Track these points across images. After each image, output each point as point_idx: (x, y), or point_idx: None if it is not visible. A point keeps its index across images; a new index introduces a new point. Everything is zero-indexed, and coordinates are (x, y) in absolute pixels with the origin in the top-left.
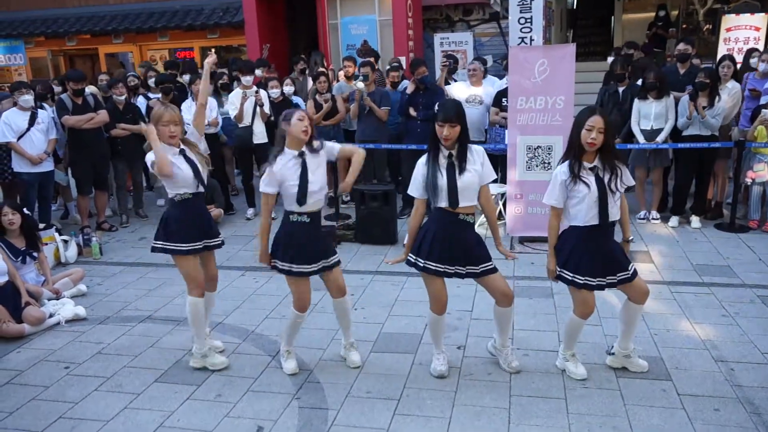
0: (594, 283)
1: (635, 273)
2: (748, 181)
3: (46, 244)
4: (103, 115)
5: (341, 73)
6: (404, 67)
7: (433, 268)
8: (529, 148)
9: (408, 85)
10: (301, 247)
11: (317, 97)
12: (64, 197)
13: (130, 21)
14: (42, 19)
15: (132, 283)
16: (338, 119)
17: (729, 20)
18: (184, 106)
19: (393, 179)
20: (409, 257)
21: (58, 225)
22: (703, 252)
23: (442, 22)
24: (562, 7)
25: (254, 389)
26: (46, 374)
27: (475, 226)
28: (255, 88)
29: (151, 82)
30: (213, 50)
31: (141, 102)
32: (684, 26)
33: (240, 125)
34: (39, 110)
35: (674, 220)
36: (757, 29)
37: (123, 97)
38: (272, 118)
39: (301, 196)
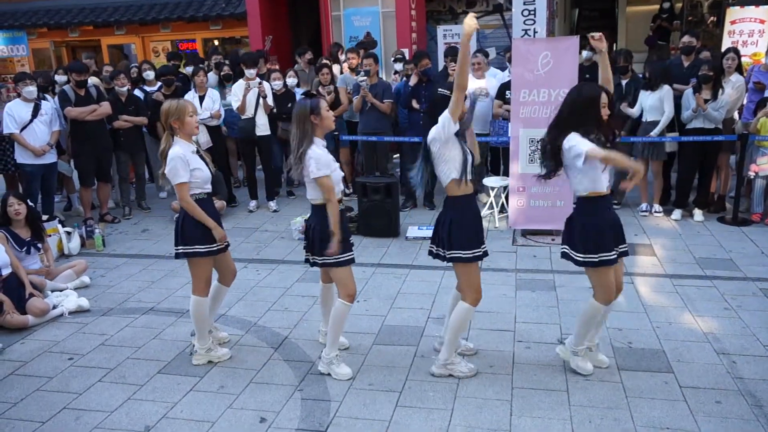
0: (614, 257)
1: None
2: (751, 174)
3: (50, 235)
4: (105, 107)
5: (345, 65)
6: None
7: None
8: (532, 141)
9: (411, 77)
10: (346, 234)
11: (320, 89)
12: (67, 189)
13: (132, 12)
14: (45, 9)
15: (135, 274)
16: (341, 111)
17: (734, 12)
18: (186, 98)
19: (402, 170)
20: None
21: (61, 216)
22: (705, 245)
23: (445, 14)
24: None
25: (257, 381)
26: (50, 365)
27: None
28: (258, 79)
29: (146, 75)
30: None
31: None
32: (689, 18)
33: (243, 117)
34: (42, 102)
35: (677, 213)
36: (762, 22)
37: (125, 89)
38: (275, 110)
39: (343, 182)
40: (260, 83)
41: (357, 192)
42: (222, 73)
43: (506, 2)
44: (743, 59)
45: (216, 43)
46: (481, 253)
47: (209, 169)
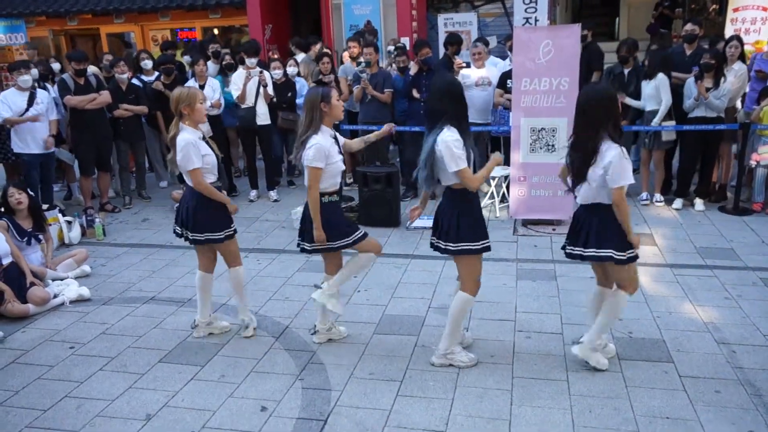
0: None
1: None
2: (753, 163)
3: (50, 224)
4: (105, 96)
5: (345, 54)
6: (408, 48)
7: None
8: (533, 130)
9: (411, 66)
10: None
11: (321, 78)
12: (67, 178)
13: (131, 0)
14: None
15: (135, 264)
16: (341, 100)
17: (736, 0)
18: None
19: (401, 161)
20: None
21: (61, 206)
22: (706, 235)
23: (446, 3)
24: None
25: (257, 370)
26: (51, 354)
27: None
28: (259, 68)
29: (144, 64)
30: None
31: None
32: (691, 6)
33: (243, 106)
34: (38, 90)
35: (678, 203)
36: (765, 9)
37: (125, 76)
38: (275, 100)
39: (343, 173)
40: (261, 72)
41: (358, 182)
42: (224, 63)
43: None
44: (746, 47)
45: (216, 32)
46: (488, 244)
47: (216, 155)
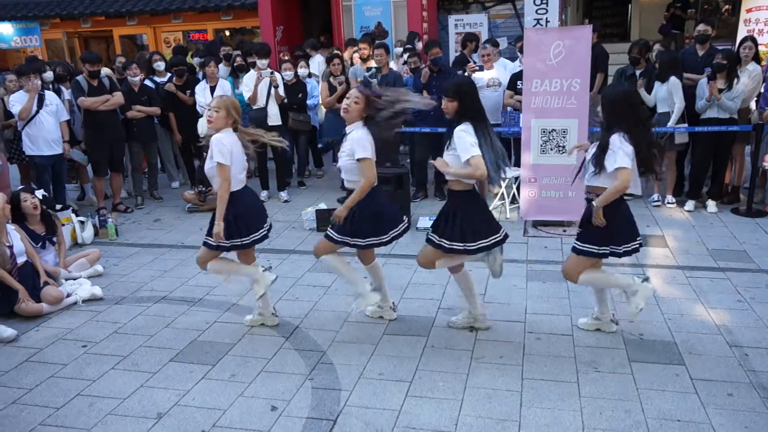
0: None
1: None
2: (766, 165)
3: (64, 224)
4: (118, 97)
5: (356, 56)
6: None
7: None
8: (544, 132)
9: (424, 71)
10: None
11: (331, 79)
12: (80, 179)
13: (144, 3)
14: (57, 0)
15: (147, 264)
16: None
17: (749, 0)
18: (198, 88)
19: (410, 162)
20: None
21: (74, 206)
22: (719, 237)
23: (456, 4)
24: None
25: (268, 370)
26: (64, 352)
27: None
28: (270, 69)
29: (156, 66)
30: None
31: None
32: (704, 6)
33: (254, 107)
34: (46, 92)
35: (690, 205)
36: None
37: (137, 78)
38: (285, 101)
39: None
40: (272, 73)
41: None
42: (235, 64)
43: None
44: (760, 48)
45: (227, 33)
46: (475, 247)
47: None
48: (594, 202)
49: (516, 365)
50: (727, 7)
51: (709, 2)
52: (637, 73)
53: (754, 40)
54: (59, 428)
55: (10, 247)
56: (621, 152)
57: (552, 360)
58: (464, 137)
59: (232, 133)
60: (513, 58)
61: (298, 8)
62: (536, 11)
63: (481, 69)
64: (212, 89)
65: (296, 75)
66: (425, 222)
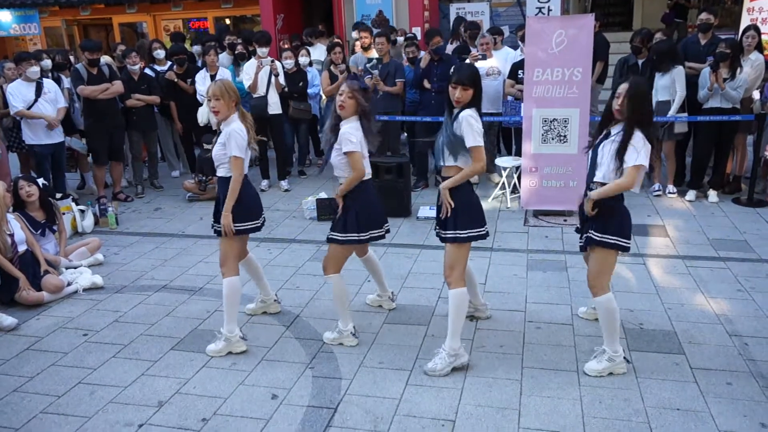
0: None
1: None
2: None
3: (64, 213)
4: (118, 86)
5: (357, 44)
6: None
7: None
8: (545, 121)
9: (422, 56)
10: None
11: (332, 68)
12: (80, 167)
13: None
14: None
15: (148, 252)
16: None
17: None
18: (198, 77)
19: (411, 151)
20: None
21: (74, 195)
22: (719, 226)
23: None
24: None
25: (268, 358)
26: (65, 341)
27: (489, 199)
28: (270, 58)
29: (156, 54)
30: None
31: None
32: None
33: (254, 96)
34: (45, 80)
35: (691, 194)
36: None
37: (137, 67)
38: (286, 89)
39: None
40: (272, 62)
41: None
42: (236, 52)
43: None
44: (763, 37)
45: (227, 21)
46: (480, 233)
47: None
48: (590, 194)
49: (516, 354)
50: None
51: None
52: (640, 62)
53: (757, 29)
54: (60, 416)
55: (11, 236)
56: (644, 151)
57: (552, 349)
58: (474, 124)
59: (236, 118)
60: (514, 47)
61: None
62: (538, 0)
63: (484, 58)
64: (212, 78)
65: (297, 63)
66: (426, 211)
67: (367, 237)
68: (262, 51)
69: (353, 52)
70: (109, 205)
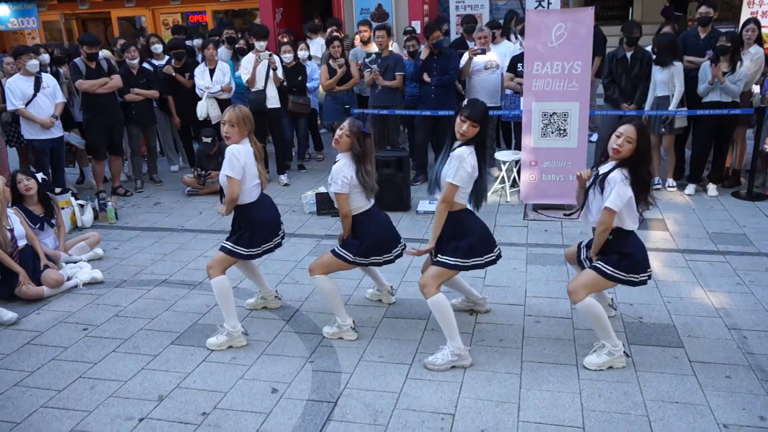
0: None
1: None
2: (767, 148)
3: (63, 208)
4: (116, 80)
5: (357, 38)
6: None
7: None
8: (545, 115)
9: (422, 50)
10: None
11: (331, 62)
12: (79, 162)
13: None
14: None
15: (147, 247)
16: (352, 84)
17: None
18: (197, 71)
19: (410, 145)
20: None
21: (74, 189)
22: (719, 220)
23: None
24: None
25: (268, 352)
26: (65, 335)
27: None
28: (268, 52)
29: (154, 48)
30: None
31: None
32: None
33: (252, 90)
34: (43, 74)
35: (691, 188)
36: None
37: (136, 62)
38: (285, 83)
39: None
40: (270, 56)
41: None
42: (236, 46)
43: None
44: (764, 30)
45: (224, 15)
46: (466, 264)
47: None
48: (590, 254)
49: (515, 348)
50: None
51: None
52: (628, 55)
53: (757, 22)
54: (61, 410)
55: (11, 231)
56: (618, 190)
57: (551, 343)
58: (462, 163)
59: (247, 144)
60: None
61: None
62: None
63: (483, 53)
64: (211, 72)
65: (296, 57)
66: (425, 206)
67: (368, 262)
68: (259, 45)
69: (352, 45)
70: (108, 199)
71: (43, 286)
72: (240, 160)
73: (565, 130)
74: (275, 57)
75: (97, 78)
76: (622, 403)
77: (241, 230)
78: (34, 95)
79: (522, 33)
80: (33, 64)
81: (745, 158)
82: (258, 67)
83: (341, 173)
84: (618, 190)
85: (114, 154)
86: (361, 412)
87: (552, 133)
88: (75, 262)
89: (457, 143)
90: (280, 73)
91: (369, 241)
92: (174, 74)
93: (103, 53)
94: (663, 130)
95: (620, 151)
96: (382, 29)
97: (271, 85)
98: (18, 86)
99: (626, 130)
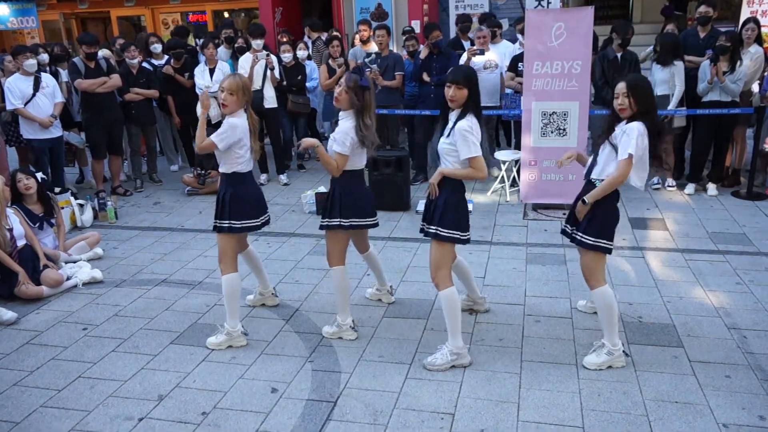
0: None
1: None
2: (767, 147)
3: (63, 207)
4: (115, 79)
5: (356, 38)
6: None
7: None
8: (545, 114)
9: (422, 50)
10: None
11: (330, 61)
12: (79, 161)
13: None
14: None
15: (147, 247)
16: None
17: None
18: (197, 71)
19: (410, 144)
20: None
21: (73, 189)
22: (718, 219)
23: None
24: None
25: (268, 352)
26: (65, 335)
27: (489, 193)
28: (265, 52)
29: (153, 48)
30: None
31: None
32: None
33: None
34: (42, 74)
35: (690, 188)
36: None
37: (136, 61)
38: (284, 83)
39: None
40: (267, 55)
41: (368, 165)
42: (236, 46)
43: None
44: (763, 29)
45: (226, 14)
46: (467, 237)
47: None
48: (586, 197)
49: (515, 347)
50: None
51: None
52: (619, 56)
53: (757, 21)
54: (61, 410)
55: (10, 230)
56: (636, 141)
57: (551, 342)
58: (468, 136)
59: (244, 115)
60: (513, 40)
61: None
62: None
63: (482, 53)
64: (211, 71)
65: (295, 57)
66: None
67: (348, 224)
68: (256, 43)
69: (352, 45)
70: (108, 199)
71: (43, 285)
72: (236, 134)
73: (564, 129)
74: (272, 57)
75: (96, 77)
76: (622, 402)
77: (225, 203)
78: (33, 95)
79: (522, 32)
80: (30, 63)
81: (744, 157)
82: (255, 67)
83: (349, 135)
84: (638, 138)
85: (113, 154)
86: (361, 411)
87: (552, 132)
88: (74, 262)
89: (453, 114)
90: (277, 73)
91: (354, 198)
92: (173, 74)
93: (103, 53)
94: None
95: (625, 108)
96: (382, 29)
97: (268, 85)
98: (17, 86)
99: (619, 88)
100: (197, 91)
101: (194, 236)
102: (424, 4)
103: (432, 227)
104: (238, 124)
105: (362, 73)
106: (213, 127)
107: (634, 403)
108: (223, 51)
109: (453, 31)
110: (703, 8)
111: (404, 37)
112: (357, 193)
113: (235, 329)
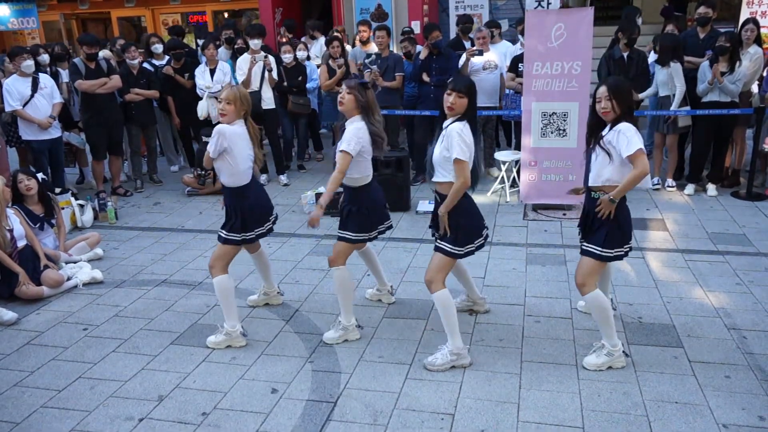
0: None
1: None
2: (767, 148)
3: (63, 208)
4: (116, 80)
5: (356, 38)
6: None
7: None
8: (545, 115)
9: (422, 50)
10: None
11: (330, 62)
12: (79, 162)
13: None
14: None
15: (147, 247)
16: None
17: None
18: (197, 71)
19: (410, 146)
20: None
21: (73, 189)
22: (718, 220)
23: None
24: None
25: (268, 353)
26: (65, 335)
27: (489, 193)
28: (263, 53)
29: (154, 48)
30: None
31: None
32: None
33: (248, 91)
34: (41, 74)
35: (690, 188)
36: None
37: (136, 62)
38: (284, 84)
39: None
40: (265, 57)
41: None
42: (236, 47)
43: None
44: (762, 30)
45: (226, 15)
46: (465, 251)
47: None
48: (610, 195)
49: (515, 348)
50: None
51: None
52: (625, 55)
53: (756, 22)
54: (61, 410)
55: (11, 231)
56: (637, 137)
57: (551, 343)
58: (462, 136)
59: (242, 124)
60: (514, 41)
61: None
62: None
63: (481, 54)
64: (212, 72)
65: (295, 58)
66: (425, 206)
67: (355, 239)
68: (254, 43)
69: (353, 45)
70: (108, 199)
71: (43, 286)
72: (224, 140)
73: (564, 130)
74: (270, 58)
75: (97, 78)
76: (622, 403)
77: (234, 216)
78: (32, 96)
79: (522, 33)
80: (27, 65)
81: (744, 158)
82: (253, 69)
83: (357, 134)
84: (635, 135)
85: (114, 154)
86: (361, 412)
87: (552, 133)
88: (75, 262)
89: (448, 121)
90: (275, 74)
91: (366, 211)
92: (173, 75)
93: (103, 53)
94: (668, 129)
95: (608, 111)
96: (382, 29)
97: (266, 86)
98: (15, 87)
99: (600, 91)
100: (198, 91)
101: (194, 237)
102: (424, 5)
103: (447, 246)
104: (225, 130)
105: (357, 76)
106: (213, 126)
107: (634, 403)
108: (223, 51)
109: (453, 31)
110: (702, 9)
111: (401, 39)
112: (364, 206)
113: (234, 329)
